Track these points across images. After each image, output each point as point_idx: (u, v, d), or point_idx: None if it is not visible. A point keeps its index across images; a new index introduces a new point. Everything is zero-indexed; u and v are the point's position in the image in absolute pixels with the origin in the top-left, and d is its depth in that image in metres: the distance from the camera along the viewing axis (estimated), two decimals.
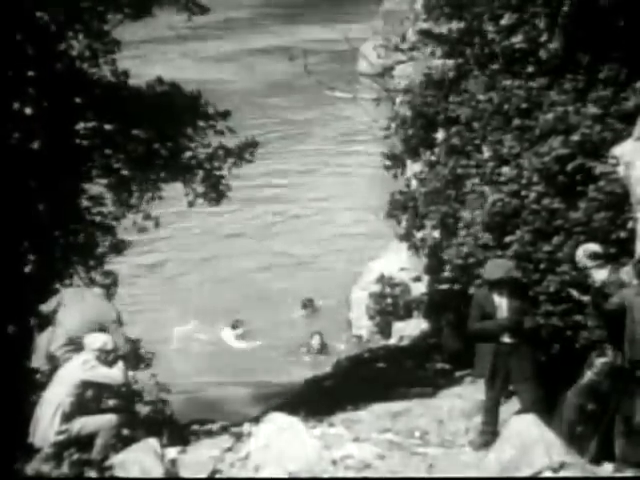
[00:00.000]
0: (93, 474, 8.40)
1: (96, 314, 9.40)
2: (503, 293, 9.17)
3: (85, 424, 8.58)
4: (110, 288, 9.78)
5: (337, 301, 18.71)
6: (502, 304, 9.17)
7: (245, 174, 14.08)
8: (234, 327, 18.30)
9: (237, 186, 13.38)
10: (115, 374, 8.78)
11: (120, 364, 8.83)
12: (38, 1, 10.74)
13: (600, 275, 8.52)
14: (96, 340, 8.85)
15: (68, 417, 8.52)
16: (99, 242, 11.81)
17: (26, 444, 8.59)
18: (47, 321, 9.59)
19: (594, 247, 8.77)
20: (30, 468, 8.42)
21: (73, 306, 9.47)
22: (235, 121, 13.05)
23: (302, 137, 27.80)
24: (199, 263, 20.96)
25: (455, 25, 12.15)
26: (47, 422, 8.51)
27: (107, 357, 8.81)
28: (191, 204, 12.81)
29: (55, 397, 8.57)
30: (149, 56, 30.30)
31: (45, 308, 9.69)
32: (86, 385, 8.67)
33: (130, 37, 12.50)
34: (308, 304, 18.84)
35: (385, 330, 16.98)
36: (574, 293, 9.25)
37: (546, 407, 9.06)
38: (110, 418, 8.70)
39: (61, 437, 8.47)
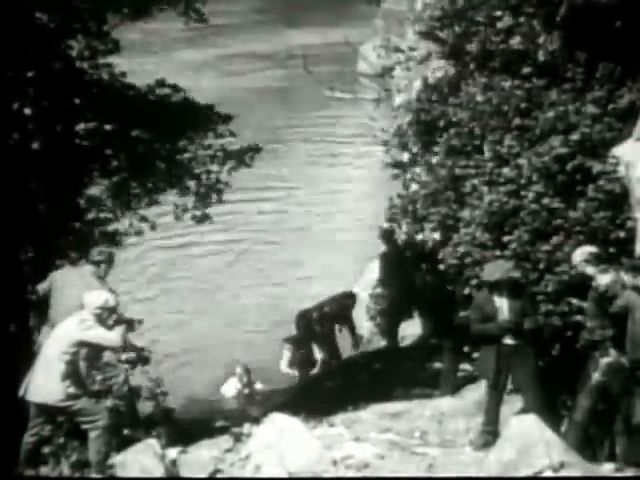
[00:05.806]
0: (93, 474, 8.40)
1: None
2: (503, 294, 9.17)
3: (84, 409, 8.34)
4: (103, 266, 9.65)
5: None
6: (503, 305, 9.18)
7: (243, 179, 14.06)
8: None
9: (235, 190, 13.37)
10: (113, 336, 8.41)
11: (119, 327, 8.51)
12: (38, 1, 10.76)
13: (604, 279, 8.48)
14: (97, 298, 8.53)
15: (68, 376, 8.29)
16: (98, 242, 11.78)
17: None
18: (40, 305, 9.53)
19: (590, 249, 8.74)
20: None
21: (64, 291, 9.34)
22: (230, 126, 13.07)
23: (301, 139, 27.75)
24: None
25: (455, 29, 12.15)
26: (43, 380, 8.29)
27: (109, 316, 8.47)
28: (185, 210, 12.64)
29: (51, 355, 8.35)
30: (128, 65, 29.77)
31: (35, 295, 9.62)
32: (81, 345, 8.38)
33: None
34: None
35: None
36: (573, 301, 9.26)
37: (547, 407, 9.08)
38: (101, 416, 8.40)
39: (69, 402, 8.27)
